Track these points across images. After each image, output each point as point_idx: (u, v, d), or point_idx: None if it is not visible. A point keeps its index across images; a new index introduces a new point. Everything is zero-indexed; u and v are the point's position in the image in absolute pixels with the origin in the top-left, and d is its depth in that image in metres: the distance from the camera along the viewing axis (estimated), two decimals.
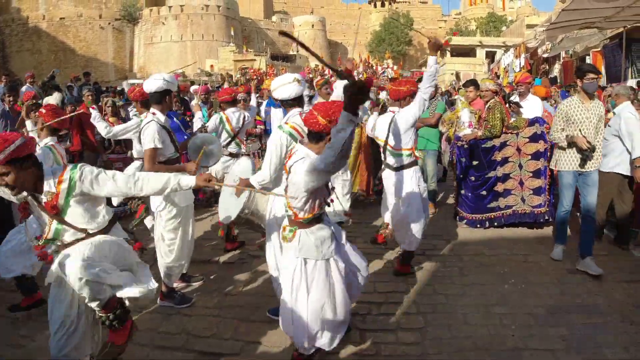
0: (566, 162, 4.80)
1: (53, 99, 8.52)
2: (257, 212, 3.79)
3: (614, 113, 5.43)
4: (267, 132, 7.58)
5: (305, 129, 3.46)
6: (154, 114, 4.05)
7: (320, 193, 2.87)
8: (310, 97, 8.92)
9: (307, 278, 2.89)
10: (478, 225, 6.05)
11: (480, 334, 3.60)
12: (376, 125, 4.69)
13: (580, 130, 4.63)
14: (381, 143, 4.57)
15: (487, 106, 6.00)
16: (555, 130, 4.84)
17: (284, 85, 3.67)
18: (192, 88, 9.13)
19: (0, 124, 6.48)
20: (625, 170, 5.20)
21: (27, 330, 3.81)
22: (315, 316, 2.90)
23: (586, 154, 4.62)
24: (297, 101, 3.72)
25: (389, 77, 14.70)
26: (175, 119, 6.89)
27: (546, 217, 5.92)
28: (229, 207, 3.82)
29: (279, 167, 3.45)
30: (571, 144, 4.68)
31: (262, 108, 8.39)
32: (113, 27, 56.18)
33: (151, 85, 4.08)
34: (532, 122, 6.03)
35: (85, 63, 49.82)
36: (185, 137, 5.95)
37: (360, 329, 3.68)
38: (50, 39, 54.20)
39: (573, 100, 4.74)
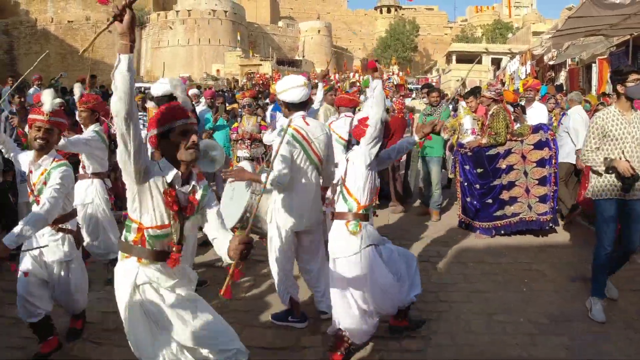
0: (605, 189, 3.86)
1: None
2: (259, 215, 3.81)
3: None
4: None
5: (309, 133, 3.50)
6: None
7: (373, 178, 3.26)
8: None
9: (371, 264, 3.20)
10: (485, 234, 6.03)
11: (483, 342, 3.59)
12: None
13: (622, 150, 3.78)
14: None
15: (490, 113, 5.99)
16: (588, 150, 3.91)
17: (294, 88, 3.55)
18: (191, 92, 8.82)
19: (8, 124, 6.53)
20: (573, 160, 6.50)
21: (28, 331, 3.81)
22: (384, 296, 3.27)
23: (629, 183, 3.70)
24: (303, 105, 3.66)
25: (395, 83, 14.69)
26: None
27: (551, 225, 5.91)
28: (230, 212, 3.84)
29: (289, 166, 3.40)
30: (610, 168, 3.79)
31: (268, 113, 8.41)
32: None
33: (159, 89, 4.12)
34: (536, 128, 6.01)
35: (92, 66, 50.08)
36: None
37: None
38: (58, 41, 54.67)
39: (610, 111, 3.85)
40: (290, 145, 3.43)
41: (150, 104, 7.88)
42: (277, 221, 3.59)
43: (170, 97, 4.11)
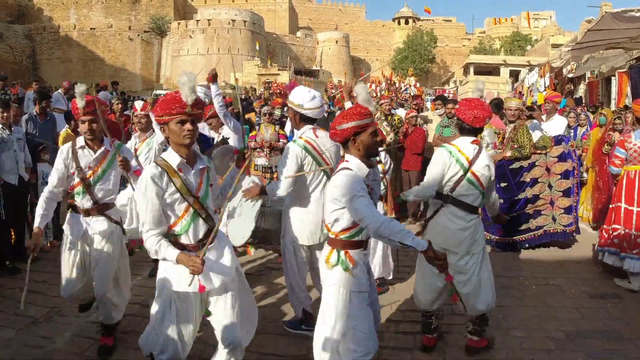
0: None
1: None
2: (270, 229, 3.82)
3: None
4: None
5: (320, 144, 3.52)
6: None
7: None
8: (330, 114, 8.93)
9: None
10: (509, 249, 5.94)
11: (499, 357, 3.55)
12: None
13: None
14: None
15: (513, 125, 5.96)
16: None
17: (316, 109, 3.54)
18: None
19: (31, 128, 6.66)
20: None
21: (46, 331, 3.89)
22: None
23: None
24: (314, 120, 3.64)
25: (412, 94, 14.69)
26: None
27: (574, 235, 5.94)
28: (240, 228, 3.82)
29: (295, 181, 3.43)
30: None
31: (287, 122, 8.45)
32: (142, 39, 57.62)
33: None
34: (557, 141, 6.01)
35: (113, 73, 51.04)
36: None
37: None
38: (80, 48, 55.80)
39: None
40: (297, 158, 3.43)
41: None
42: (291, 235, 3.58)
43: None
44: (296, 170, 3.41)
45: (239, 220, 3.85)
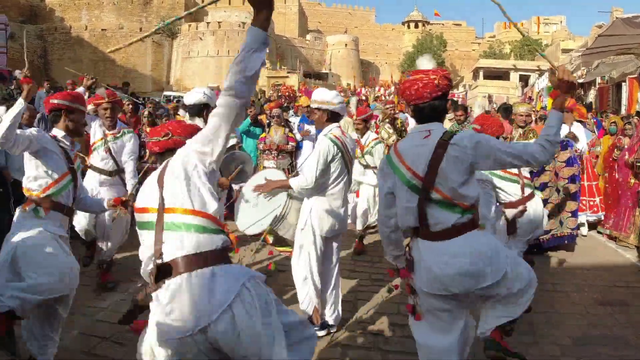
0: None
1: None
2: (287, 224, 3.84)
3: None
4: (299, 148, 7.67)
5: (346, 142, 3.70)
6: None
7: None
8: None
9: None
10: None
11: None
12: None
13: None
14: None
15: (523, 130, 5.94)
16: None
17: (341, 103, 3.80)
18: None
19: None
20: None
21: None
22: None
23: None
24: (340, 117, 3.86)
25: None
26: None
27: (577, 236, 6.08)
28: (254, 219, 3.85)
29: (323, 173, 3.55)
30: None
31: (295, 124, 8.48)
32: (152, 41, 57.97)
33: (191, 97, 4.24)
34: (564, 146, 6.02)
35: (124, 74, 51.37)
36: None
37: (382, 350, 3.67)
38: (92, 48, 56.21)
39: None
40: (329, 153, 3.57)
41: (182, 112, 8.06)
42: (313, 226, 3.67)
43: (202, 106, 4.20)
44: (326, 163, 3.56)
45: (253, 211, 3.88)
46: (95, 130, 4.74)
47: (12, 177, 5.31)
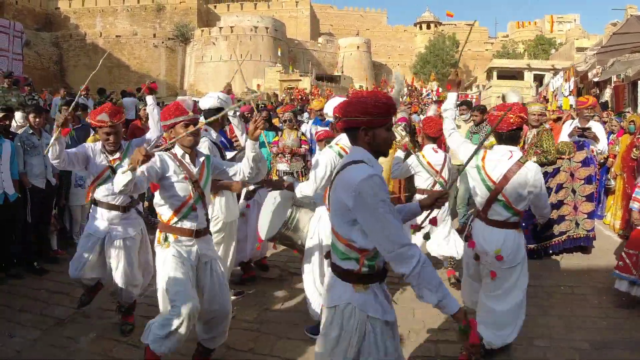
0: None
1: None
2: (298, 230, 3.86)
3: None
4: (312, 152, 7.68)
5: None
6: (206, 130, 4.13)
7: None
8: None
9: None
10: (535, 256, 5.83)
11: None
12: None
13: None
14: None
15: (536, 131, 5.88)
16: None
17: None
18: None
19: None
20: None
21: (71, 331, 3.97)
22: None
23: None
24: None
25: (433, 99, 14.64)
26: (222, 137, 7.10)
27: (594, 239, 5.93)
28: (269, 223, 3.91)
29: (325, 184, 3.52)
30: None
31: (307, 128, 8.49)
32: (166, 46, 58.64)
33: (206, 102, 4.27)
34: (580, 146, 5.93)
35: (138, 79, 51.94)
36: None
37: None
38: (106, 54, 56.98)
39: None
40: (333, 165, 3.47)
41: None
42: (320, 235, 3.66)
43: (217, 110, 4.23)
44: (327, 174, 3.48)
45: (270, 215, 3.93)
46: (94, 159, 3.80)
47: (30, 183, 5.39)
